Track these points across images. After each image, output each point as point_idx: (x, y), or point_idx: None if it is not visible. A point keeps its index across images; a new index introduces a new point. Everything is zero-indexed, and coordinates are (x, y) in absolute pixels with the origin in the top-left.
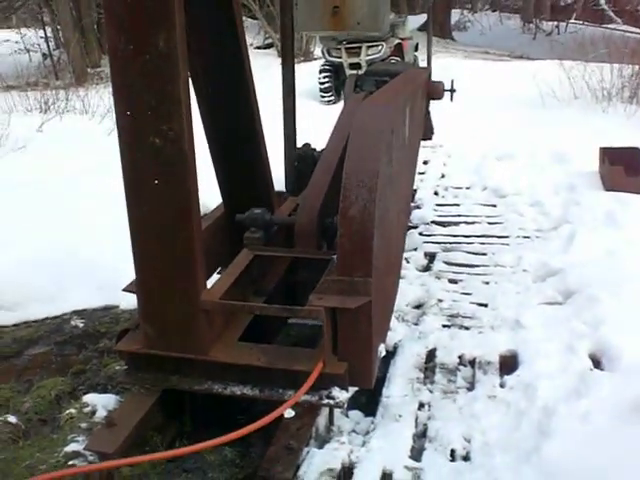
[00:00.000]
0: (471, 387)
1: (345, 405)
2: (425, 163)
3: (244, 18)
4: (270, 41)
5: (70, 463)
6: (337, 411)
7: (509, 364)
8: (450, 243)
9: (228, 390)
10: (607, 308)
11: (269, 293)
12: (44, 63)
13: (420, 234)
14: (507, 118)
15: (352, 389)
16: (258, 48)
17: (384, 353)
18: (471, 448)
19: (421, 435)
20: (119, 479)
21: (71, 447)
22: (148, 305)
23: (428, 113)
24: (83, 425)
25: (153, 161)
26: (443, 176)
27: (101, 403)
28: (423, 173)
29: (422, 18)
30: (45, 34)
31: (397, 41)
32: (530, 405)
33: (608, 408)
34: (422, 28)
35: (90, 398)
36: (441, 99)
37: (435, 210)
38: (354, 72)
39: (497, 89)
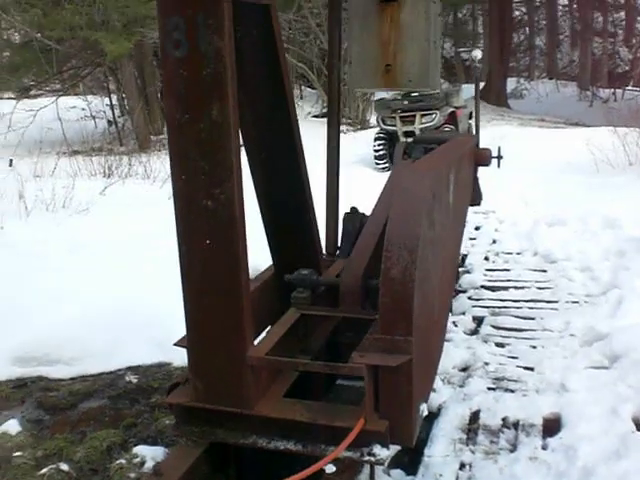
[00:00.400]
0: (513, 449)
1: (386, 462)
2: (477, 229)
3: (303, 87)
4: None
5: None
6: (379, 469)
7: (552, 427)
8: (498, 307)
9: (272, 444)
10: None
11: (315, 352)
12: (109, 130)
13: (469, 298)
14: (560, 184)
15: (395, 448)
16: (315, 117)
17: (426, 413)
18: None
19: None
20: None
21: None
22: (197, 360)
23: (476, 179)
24: (132, 475)
25: (205, 223)
26: (494, 241)
27: (150, 455)
28: (474, 239)
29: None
30: (110, 102)
31: (451, 109)
32: (570, 466)
33: None
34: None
35: (140, 450)
36: (488, 165)
37: (485, 275)
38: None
39: (551, 156)
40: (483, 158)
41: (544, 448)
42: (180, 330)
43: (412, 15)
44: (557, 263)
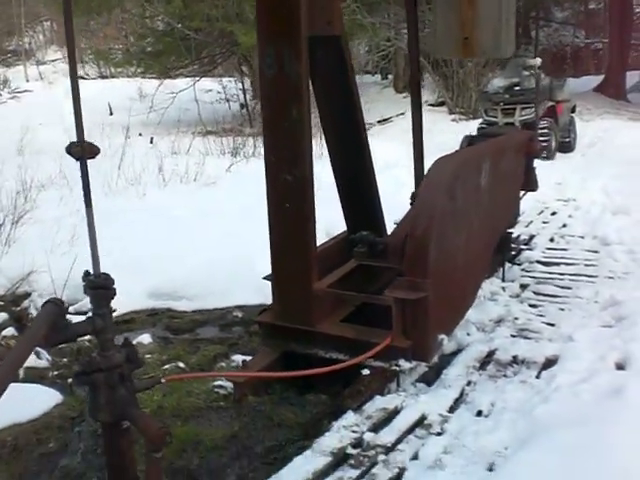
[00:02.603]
0: (512, 376)
1: (407, 370)
2: (553, 214)
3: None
4: (442, 99)
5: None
6: (406, 380)
7: (549, 363)
8: (545, 278)
9: (328, 354)
10: None
11: (366, 290)
12: (241, 112)
13: (522, 269)
14: None
15: (422, 369)
16: (431, 105)
17: (446, 341)
18: (493, 410)
19: (459, 399)
20: (246, 402)
21: (217, 382)
22: (278, 290)
23: (532, 168)
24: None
25: (285, 191)
26: (564, 225)
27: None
28: (547, 222)
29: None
30: (243, 86)
31: (550, 103)
32: (546, 387)
33: (602, 392)
34: (597, 89)
35: (236, 357)
36: (538, 157)
37: (543, 252)
38: None
39: None
40: (534, 150)
41: (537, 377)
42: None
43: None
44: (610, 246)
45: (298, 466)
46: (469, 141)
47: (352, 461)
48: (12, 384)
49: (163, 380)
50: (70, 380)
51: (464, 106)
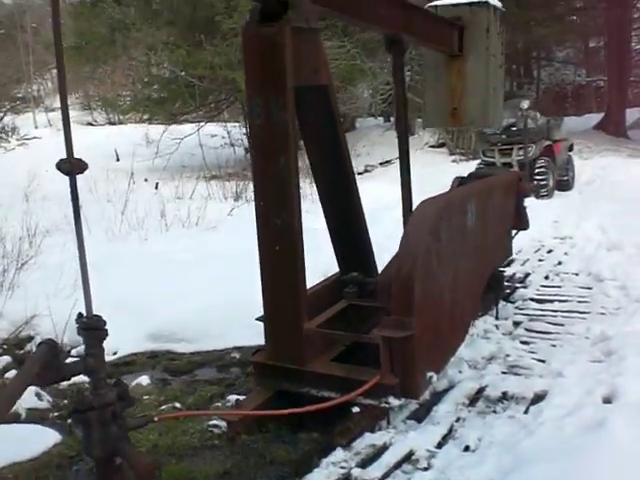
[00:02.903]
0: (502, 411)
1: (396, 407)
2: (549, 252)
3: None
4: (443, 141)
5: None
6: (398, 419)
7: (538, 399)
8: (537, 315)
9: (319, 393)
10: (629, 364)
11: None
12: (245, 157)
13: (516, 307)
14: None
15: (413, 406)
16: (432, 147)
17: (435, 378)
18: (480, 445)
19: (447, 435)
20: (239, 440)
21: (212, 422)
22: (269, 330)
23: (522, 208)
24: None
25: (274, 234)
26: (560, 263)
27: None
28: (542, 260)
29: (594, 118)
30: (247, 131)
31: (547, 143)
32: (533, 421)
33: (586, 425)
34: (597, 127)
35: (232, 397)
36: (529, 197)
37: (538, 290)
38: None
39: None
40: (525, 191)
41: (525, 412)
42: None
43: (475, 68)
44: (603, 282)
45: None
46: (459, 182)
47: None
48: (14, 424)
49: (156, 419)
50: (69, 421)
51: (464, 147)
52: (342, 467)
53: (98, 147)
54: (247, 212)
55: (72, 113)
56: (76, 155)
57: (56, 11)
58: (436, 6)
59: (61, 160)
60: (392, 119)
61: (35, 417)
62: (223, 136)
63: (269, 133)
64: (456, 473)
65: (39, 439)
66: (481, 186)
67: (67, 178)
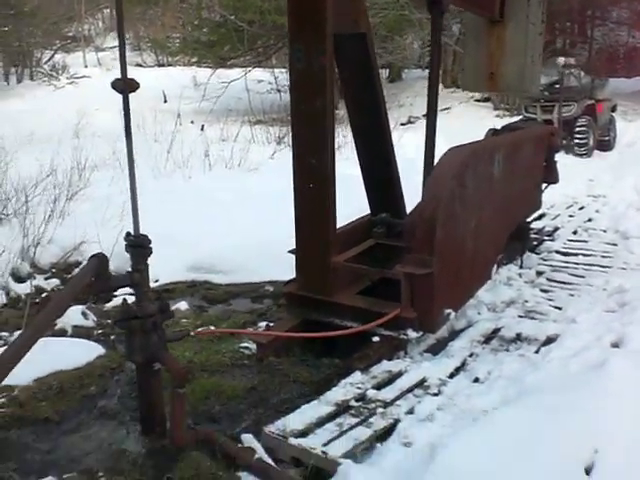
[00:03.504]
0: (514, 350)
1: (413, 339)
2: (581, 209)
3: None
4: (487, 95)
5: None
6: (415, 351)
7: (549, 341)
8: (560, 267)
9: (343, 323)
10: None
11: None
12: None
13: (541, 258)
14: None
15: (431, 340)
16: (477, 101)
17: (453, 315)
18: (489, 377)
19: (460, 367)
20: (267, 361)
21: (243, 344)
22: (300, 263)
23: (553, 162)
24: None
25: (310, 173)
26: (590, 220)
27: None
28: (572, 216)
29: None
30: None
31: (589, 102)
32: (542, 360)
33: (590, 365)
34: None
35: (263, 324)
36: (558, 151)
37: (564, 244)
38: None
39: None
40: (554, 145)
41: (536, 352)
42: None
43: (514, 34)
44: (629, 240)
45: (304, 412)
46: (493, 133)
47: (353, 411)
48: (60, 337)
49: (192, 333)
50: (113, 337)
51: (508, 102)
52: (358, 387)
53: (146, 88)
54: (288, 156)
55: None
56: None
57: None
58: None
59: (116, 79)
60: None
61: (80, 334)
62: (270, 82)
63: (308, 77)
64: (463, 399)
65: (83, 352)
66: (511, 138)
67: (116, 116)
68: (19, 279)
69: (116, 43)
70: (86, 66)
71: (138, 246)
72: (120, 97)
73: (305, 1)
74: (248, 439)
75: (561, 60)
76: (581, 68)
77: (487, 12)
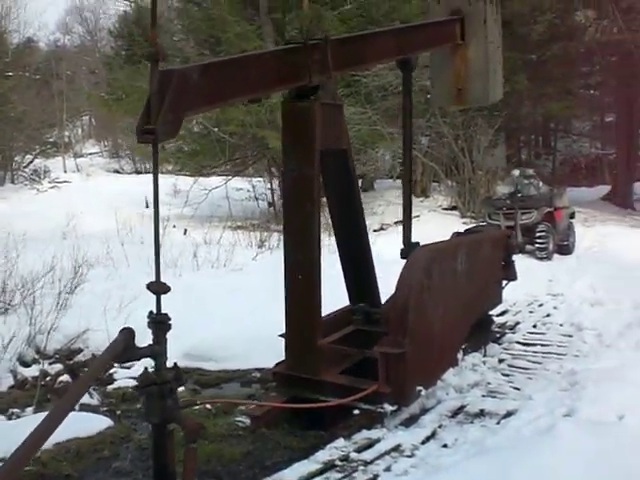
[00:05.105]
0: (477, 423)
1: (393, 421)
2: (540, 305)
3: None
4: (455, 204)
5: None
6: (391, 423)
7: (508, 415)
8: (520, 355)
9: (328, 398)
10: (588, 392)
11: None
12: (268, 210)
13: (503, 348)
14: (625, 276)
15: (404, 415)
16: (445, 209)
17: (423, 393)
18: (456, 443)
19: (430, 436)
20: (260, 432)
21: (237, 418)
22: (289, 345)
23: (512, 261)
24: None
25: (297, 266)
26: (548, 315)
27: None
28: (532, 312)
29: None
30: (272, 186)
31: (548, 209)
32: (501, 428)
33: (540, 430)
34: (605, 198)
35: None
36: (515, 253)
37: (524, 335)
38: None
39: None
40: (511, 248)
41: (497, 423)
42: None
43: (476, 53)
44: (582, 331)
45: (296, 468)
46: (456, 235)
47: (338, 468)
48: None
49: (198, 402)
50: (118, 412)
51: (474, 210)
52: (342, 451)
53: (128, 194)
54: (269, 258)
55: (100, 160)
56: (108, 200)
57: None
58: (438, 0)
59: (151, 282)
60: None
61: (88, 410)
62: (248, 190)
63: (299, 185)
64: (433, 459)
65: (94, 423)
66: (472, 238)
67: (101, 219)
68: (25, 364)
69: (93, 150)
70: (65, 171)
71: (159, 322)
72: (104, 200)
73: (299, 121)
74: None
75: (516, 171)
76: (540, 178)
77: (450, 41)
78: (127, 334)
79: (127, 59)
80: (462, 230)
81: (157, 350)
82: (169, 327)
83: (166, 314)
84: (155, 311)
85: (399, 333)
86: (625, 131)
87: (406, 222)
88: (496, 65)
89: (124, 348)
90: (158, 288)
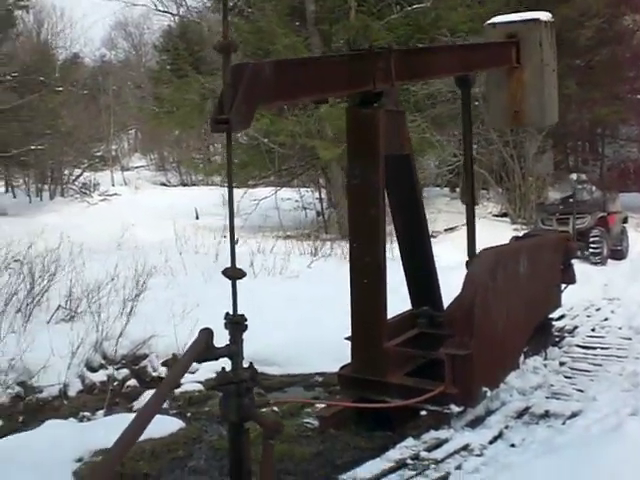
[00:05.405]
0: (543, 423)
1: (456, 413)
2: (597, 310)
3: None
4: (505, 211)
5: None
6: (457, 424)
7: (573, 415)
8: (581, 358)
9: (393, 402)
10: None
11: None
12: (317, 219)
13: (563, 351)
14: None
15: (470, 417)
16: (495, 216)
17: (489, 394)
18: (523, 443)
19: (497, 436)
20: (328, 433)
21: (306, 420)
22: (356, 348)
23: (571, 265)
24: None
25: (364, 270)
26: (606, 319)
27: None
28: (590, 316)
29: None
30: (320, 196)
31: (601, 214)
32: (567, 428)
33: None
34: None
35: (318, 405)
36: (575, 257)
37: (583, 339)
38: None
39: None
40: (571, 251)
41: (563, 424)
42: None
43: (532, 76)
44: None
45: (369, 466)
46: (516, 239)
47: (410, 467)
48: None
49: (271, 401)
50: (189, 414)
51: (525, 217)
52: (412, 450)
53: (177, 206)
54: (324, 265)
55: (147, 173)
56: (158, 212)
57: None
58: (494, 24)
59: (226, 268)
60: (457, 189)
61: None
62: (296, 200)
63: (363, 190)
64: (502, 458)
65: (167, 425)
66: (533, 242)
67: (153, 231)
68: (92, 369)
69: (140, 163)
70: (113, 184)
71: (236, 323)
72: (154, 212)
73: (363, 128)
74: None
75: (573, 176)
76: (593, 183)
77: (506, 64)
78: (207, 334)
79: (173, 73)
80: (520, 235)
81: (234, 350)
82: (245, 327)
83: (242, 315)
84: (231, 304)
85: (465, 334)
86: None
87: (470, 235)
88: (551, 88)
89: (204, 348)
90: (234, 273)
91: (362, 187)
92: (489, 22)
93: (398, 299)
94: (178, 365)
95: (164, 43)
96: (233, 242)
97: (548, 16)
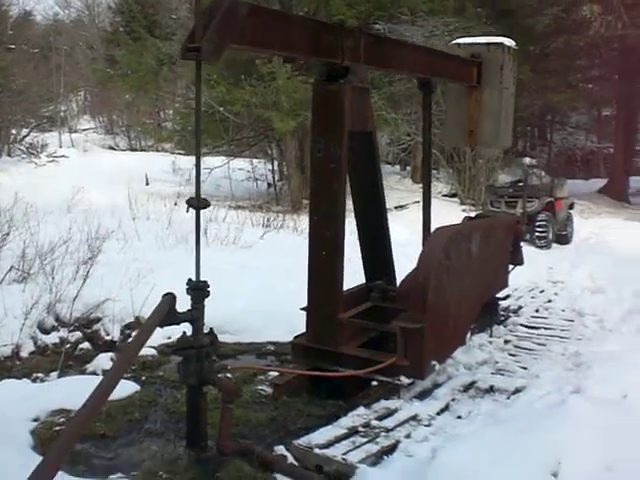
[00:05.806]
0: (488, 397)
1: (405, 384)
2: (541, 292)
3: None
4: (455, 191)
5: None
6: (406, 395)
7: (517, 391)
8: (525, 337)
9: (346, 371)
10: (594, 372)
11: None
12: (268, 191)
13: (508, 330)
14: (626, 269)
15: (419, 388)
16: (445, 196)
17: (437, 367)
18: (469, 415)
19: (444, 408)
20: (282, 400)
21: (259, 387)
22: (311, 318)
23: (520, 247)
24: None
25: (323, 243)
26: (550, 301)
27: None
28: (534, 297)
29: (600, 183)
30: (272, 167)
31: (549, 199)
32: (512, 402)
33: (552, 404)
34: (601, 191)
35: (272, 373)
36: (523, 239)
37: (527, 319)
38: None
39: (634, 245)
40: (520, 232)
41: (507, 398)
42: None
43: (490, 97)
44: (584, 317)
45: (323, 432)
46: (468, 219)
47: (362, 434)
48: (96, 376)
49: (229, 367)
50: (143, 378)
51: (474, 198)
52: (363, 418)
53: (126, 170)
54: (276, 237)
55: (95, 136)
56: (107, 176)
57: (198, 76)
58: (459, 44)
59: (190, 198)
60: (408, 168)
61: None
62: (248, 170)
63: (326, 164)
64: (450, 428)
65: (122, 387)
66: (485, 222)
67: (103, 195)
68: (45, 331)
69: (88, 126)
70: (61, 146)
71: (198, 289)
72: (103, 176)
73: (329, 102)
74: (280, 449)
75: (526, 160)
76: (542, 168)
77: (467, 81)
78: (170, 299)
79: (128, 36)
80: (473, 215)
81: (195, 315)
82: (207, 294)
83: (205, 281)
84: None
85: (418, 309)
86: (623, 126)
87: (426, 218)
88: (508, 111)
89: (167, 312)
90: (198, 203)
91: (325, 161)
92: (454, 42)
93: (353, 272)
94: (143, 329)
95: (119, 5)
96: (199, 176)
97: (512, 43)
